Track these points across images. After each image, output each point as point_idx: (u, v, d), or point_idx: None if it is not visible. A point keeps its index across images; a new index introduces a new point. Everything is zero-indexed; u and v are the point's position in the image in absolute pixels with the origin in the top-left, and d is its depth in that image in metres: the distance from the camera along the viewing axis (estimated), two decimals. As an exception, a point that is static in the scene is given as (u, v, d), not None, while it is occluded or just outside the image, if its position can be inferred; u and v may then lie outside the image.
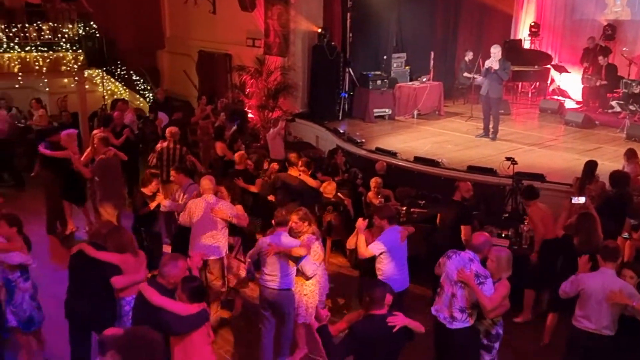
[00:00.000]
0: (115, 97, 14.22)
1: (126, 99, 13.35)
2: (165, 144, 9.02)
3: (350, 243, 6.04)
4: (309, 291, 5.69)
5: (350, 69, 12.68)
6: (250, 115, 13.09)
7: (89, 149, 8.59)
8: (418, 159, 9.68)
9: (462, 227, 6.35)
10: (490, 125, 11.10)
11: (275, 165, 8.57)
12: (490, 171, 8.93)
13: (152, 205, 6.94)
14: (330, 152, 10.15)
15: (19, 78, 12.73)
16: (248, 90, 13.23)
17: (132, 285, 4.98)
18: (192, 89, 15.50)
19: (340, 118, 12.59)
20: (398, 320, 4.10)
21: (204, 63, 15.23)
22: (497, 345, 4.99)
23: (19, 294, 5.38)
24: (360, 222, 5.70)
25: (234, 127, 10.76)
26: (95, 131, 9.46)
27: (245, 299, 6.85)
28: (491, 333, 4.94)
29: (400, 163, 9.67)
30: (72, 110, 12.98)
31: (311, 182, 7.88)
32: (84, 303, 5.07)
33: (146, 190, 7.07)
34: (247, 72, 13.05)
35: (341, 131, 11.48)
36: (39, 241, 5.92)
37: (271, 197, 8.03)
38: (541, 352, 6.05)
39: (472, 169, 9.12)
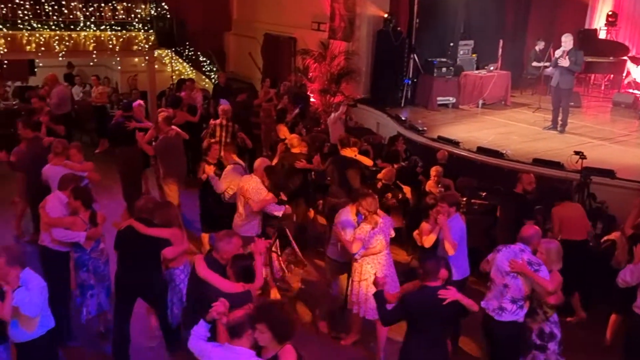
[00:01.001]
0: (182, 77, 14.60)
1: (193, 79, 13.68)
2: (218, 121, 9.35)
3: (424, 242, 5.88)
4: (366, 278, 5.62)
5: (415, 55, 12.50)
6: (312, 99, 13.15)
7: (152, 128, 8.89)
8: (481, 150, 9.48)
9: (526, 222, 6.18)
10: (559, 118, 10.72)
11: (282, 146, 8.40)
12: (556, 165, 8.65)
13: (203, 175, 7.21)
14: (390, 139, 10.09)
15: (94, 56, 13.25)
16: (311, 74, 13.28)
17: (180, 256, 5.35)
18: (256, 71, 15.70)
19: (402, 105, 12.48)
20: (449, 294, 4.18)
21: (269, 46, 15.38)
22: (552, 345, 4.86)
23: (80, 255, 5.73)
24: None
25: (297, 111, 10.85)
26: (159, 110, 9.75)
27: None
28: (545, 332, 4.85)
29: (462, 153, 9.50)
30: (141, 89, 13.41)
31: (367, 161, 7.83)
32: (133, 276, 5.28)
33: (208, 159, 7.39)
34: (311, 56, 13.10)
35: (403, 118, 11.38)
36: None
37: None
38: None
39: (537, 161, 8.85)
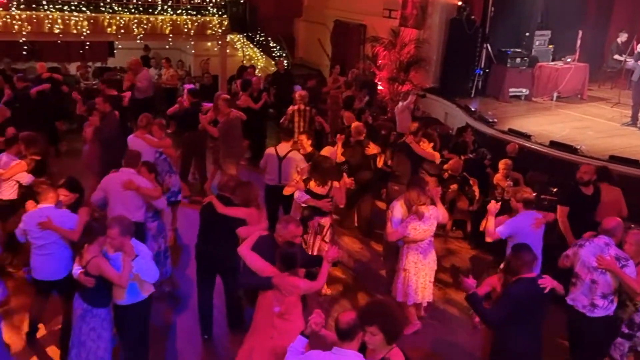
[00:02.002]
0: (252, 62, 14.85)
1: (254, 64, 13.89)
2: (296, 107, 9.57)
3: (482, 226, 5.83)
4: (407, 268, 5.72)
5: (488, 45, 12.17)
6: (379, 87, 13.08)
7: (212, 110, 9.15)
8: (554, 144, 9.16)
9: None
10: (640, 114, 10.22)
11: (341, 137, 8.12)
12: (635, 163, 8.25)
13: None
14: (459, 130, 9.90)
15: (169, 39, 13.66)
16: (380, 62, 13.20)
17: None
18: (324, 58, 15.75)
19: (472, 95, 12.21)
20: (548, 282, 4.19)
21: (338, 33, 15.38)
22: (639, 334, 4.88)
23: (147, 232, 6.14)
24: (492, 205, 5.58)
25: (366, 98, 10.84)
26: (218, 93, 9.98)
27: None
28: (635, 322, 4.84)
29: (533, 146, 9.22)
30: (213, 73, 13.74)
31: (429, 151, 7.70)
32: (211, 249, 5.53)
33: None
34: (380, 43, 13.01)
35: (472, 109, 11.14)
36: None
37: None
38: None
39: (614, 159, 8.47)
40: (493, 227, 5.47)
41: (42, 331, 5.62)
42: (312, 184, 6.20)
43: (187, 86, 10.72)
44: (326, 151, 6.80)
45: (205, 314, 5.73)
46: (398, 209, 5.75)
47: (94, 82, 13.14)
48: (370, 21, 14.25)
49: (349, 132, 8.11)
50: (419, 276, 5.72)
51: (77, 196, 5.37)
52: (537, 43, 12.60)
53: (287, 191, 6.42)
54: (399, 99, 11.45)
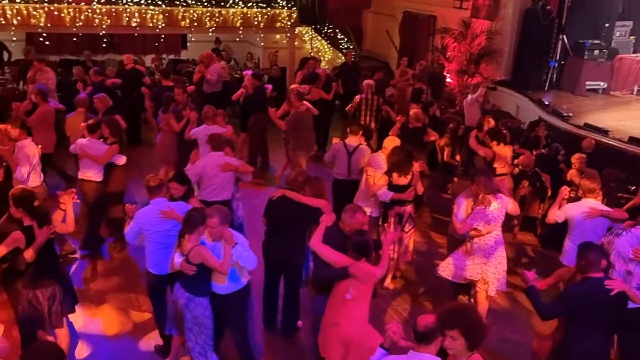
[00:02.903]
0: (319, 54, 14.93)
1: (320, 56, 13.93)
2: (363, 95, 9.67)
3: (548, 216, 5.75)
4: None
5: (564, 36, 11.69)
6: (448, 79, 12.84)
7: (285, 103, 9.26)
8: (633, 140, 8.72)
9: None
10: None
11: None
12: None
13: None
14: (531, 124, 9.60)
15: (240, 32, 13.93)
16: (449, 53, 12.94)
17: None
18: (392, 50, 15.61)
19: (546, 88, 11.78)
20: (616, 285, 3.99)
21: (407, 24, 15.19)
22: None
23: (235, 203, 6.50)
24: (564, 189, 5.53)
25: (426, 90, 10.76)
26: (293, 86, 10.08)
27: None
28: None
29: (611, 142, 8.81)
30: (281, 65, 13.91)
31: (475, 146, 7.48)
32: (279, 244, 5.50)
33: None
34: (450, 35, 12.76)
35: (546, 102, 10.75)
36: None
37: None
38: None
39: (700, 157, 7.98)
40: (555, 210, 5.48)
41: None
42: (395, 176, 6.18)
43: (247, 72, 10.88)
44: (390, 142, 6.75)
45: (268, 309, 5.80)
46: (463, 203, 5.65)
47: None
48: (441, 12, 13.98)
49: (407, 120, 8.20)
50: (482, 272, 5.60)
51: (186, 188, 5.45)
52: (617, 34, 12.00)
53: (374, 189, 6.33)
54: (468, 92, 11.23)
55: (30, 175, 6.51)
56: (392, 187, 6.21)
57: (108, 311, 6.04)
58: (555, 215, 5.53)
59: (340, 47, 14.88)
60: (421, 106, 9.80)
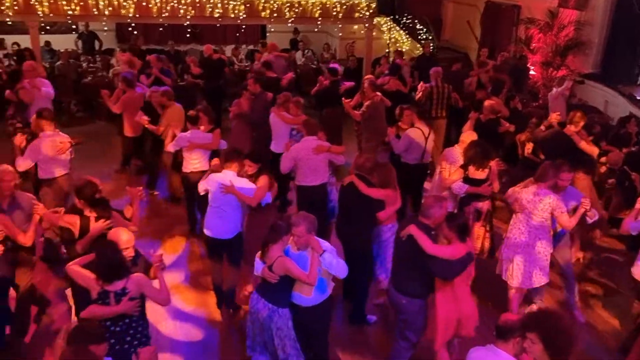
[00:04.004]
0: (397, 45, 14.76)
1: (402, 49, 13.75)
2: (433, 83, 9.67)
3: (622, 226, 5.36)
4: None
5: (661, 27, 10.99)
6: (531, 72, 12.37)
7: (358, 93, 9.24)
8: None
9: None
10: None
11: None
12: None
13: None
14: (621, 120, 9.09)
15: (318, 23, 14.00)
16: (533, 45, 12.46)
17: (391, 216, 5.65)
18: (472, 41, 15.20)
19: (638, 82, 11.12)
20: None
21: (489, 14, 14.74)
22: None
23: (329, 187, 6.60)
24: None
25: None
26: (367, 76, 10.06)
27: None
28: None
29: None
30: (358, 56, 13.88)
31: (585, 146, 7.15)
32: (349, 226, 5.64)
33: (401, 124, 7.73)
34: (536, 25, 12.28)
35: (638, 97, 10.16)
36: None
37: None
38: None
39: None
40: (630, 219, 5.13)
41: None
42: (472, 169, 6.06)
43: (332, 65, 10.94)
44: (468, 136, 6.63)
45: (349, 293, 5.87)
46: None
47: (246, 64, 13.89)
48: (525, 2, 13.45)
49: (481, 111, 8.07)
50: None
51: (259, 166, 5.71)
52: None
53: (448, 182, 6.27)
54: (553, 85, 10.78)
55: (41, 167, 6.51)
56: (468, 180, 6.09)
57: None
58: (630, 227, 5.12)
59: (419, 37, 14.64)
60: (502, 99, 9.55)
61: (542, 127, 7.74)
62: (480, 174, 6.06)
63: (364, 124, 8.95)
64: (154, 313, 5.24)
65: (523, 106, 9.84)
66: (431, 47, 12.73)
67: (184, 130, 7.20)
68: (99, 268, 3.86)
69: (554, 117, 7.74)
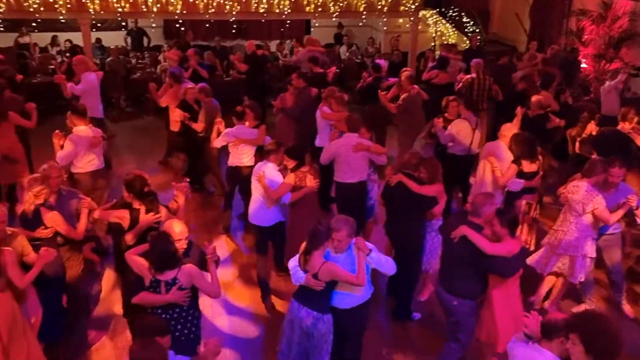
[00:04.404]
0: (443, 38, 14.54)
1: (452, 42, 13.54)
2: (473, 75, 9.62)
3: None
4: None
5: None
6: (583, 65, 11.98)
7: (395, 86, 9.21)
8: None
9: None
10: None
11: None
12: None
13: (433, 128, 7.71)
14: (678, 115, 8.70)
15: (363, 17, 13.91)
16: (585, 37, 12.07)
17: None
18: (520, 33, 14.83)
19: (697, 75, 10.66)
20: None
21: (539, 6, 14.32)
22: None
23: (370, 185, 6.60)
24: None
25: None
26: (404, 69, 9.96)
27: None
28: None
29: None
30: (402, 50, 13.73)
31: None
32: (398, 225, 5.59)
33: (447, 115, 7.74)
34: (588, 17, 11.88)
35: (697, 91, 9.71)
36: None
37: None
38: None
39: None
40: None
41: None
42: (525, 164, 6.03)
43: (377, 60, 10.87)
44: (509, 129, 6.51)
45: (390, 288, 5.85)
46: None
47: (290, 60, 13.94)
48: (578, -7, 13.05)
49: (528, 106, 7.88)
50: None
51: (295, 163, 5.83)
52: None
53: (504, 180, 6.14)
54: (605, 78, 10.40)
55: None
56: (521, 174, 6.06)
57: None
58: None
59: (465, 30, 14.39)
60: (552, 93, 9.29)
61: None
62: (532, 167, 6.05)
63: (400, 117, 8.92)
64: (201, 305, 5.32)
65: (574, 100, 9.56)
66: (478, 40, 12.49)
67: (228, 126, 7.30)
68: (151, 257, 3.98)
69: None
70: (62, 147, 6.45)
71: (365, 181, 6.53)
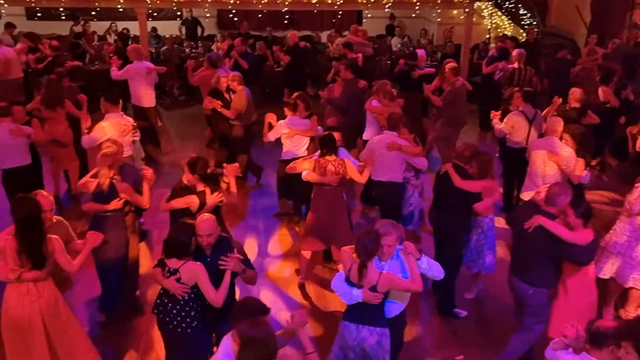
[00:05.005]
0: (498, 30, 14.18)
1: (508, 34, 13.19)
2: (515, 65, 9.58)
3: None
4: None
5: None
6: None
7: (437, 78, 9.14)
8: None
9: None
10: None
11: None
12: None
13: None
14: None
15: (416, 8, 13.73)
16: (650, 31, 11.54)
17: (489, 206, 5.52)
18: (580, 26, 14.28)
19: None
20: None
21: (600, -2, 13.78)
22: None
23: (410, 189, 6.49)
24: None
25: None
26: (448, 61, 9.77)
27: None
28: None
29: None
30: (456, 42, 13.47)
31: None
32: (443, 216, 5.52)
33: (510, 107, 7.57)
34: (654, 9, 11.34)
35: None
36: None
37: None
38: None
39: None
40: None
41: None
42: (588, 157, 6.12)
43: (420, 51, 10.71)
44: (557, 124, 6.33)
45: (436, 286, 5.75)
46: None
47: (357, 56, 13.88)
48: (643, -16, 12.47)
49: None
50: None
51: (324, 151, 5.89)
52: None
53: (578, 175, 6.03)
54: (671, 74, 9.95)
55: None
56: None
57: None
58: None
59: (522, 23, 13.97)
60: (612, 89, 8.94)
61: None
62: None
63: (443, 109, 8.79)
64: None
65: (635, 97, 9.16)
66: (536, 33, 12.12)
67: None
68: (166, 241, 4.07)
69: None
70: (89, 130, 6.64)
71: (399, 183, 6.35)
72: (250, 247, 6.82)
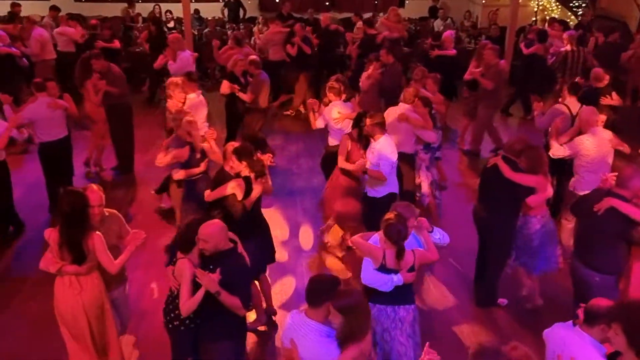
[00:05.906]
0: (545, 13, 13.76)
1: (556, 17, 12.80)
2: (567, 48, 9.46)
3: None
4: None
5: None
6: None
7: (474, 60, 9.02)
8: None
9: None
10: None
11: None
12: None
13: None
14: None
15: (460, -11, 13.48)
16: None
17: (540, 205, 5.20)
18: (633, 9, 13.72)
19: None
20: None
21: (658, -21, 13.19)
22: None
23: (417, 162, 6.63)
24: None
25: None
26: (484, 42, 9.66)
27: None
28: None
29: None
30: (501, 24, 13.14)
31: None
32: (488, 212, 5.31)
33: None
34: None
35: None
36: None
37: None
38: None
39: None
40: None
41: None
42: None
43: (449, 33, 10.50)
44: (594, 112, 6.11)
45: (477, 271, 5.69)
46: None
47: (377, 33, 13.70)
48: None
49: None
50: None
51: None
52: None
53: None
54: None
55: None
56: None
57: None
58: None
59: (571, 5, 13.52)
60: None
61: None
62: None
63: (483, 92, 8.69)
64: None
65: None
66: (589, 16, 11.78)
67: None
68: (179, 230, 4.17)
69: None
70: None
71: (409, 155, 6.56)
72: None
